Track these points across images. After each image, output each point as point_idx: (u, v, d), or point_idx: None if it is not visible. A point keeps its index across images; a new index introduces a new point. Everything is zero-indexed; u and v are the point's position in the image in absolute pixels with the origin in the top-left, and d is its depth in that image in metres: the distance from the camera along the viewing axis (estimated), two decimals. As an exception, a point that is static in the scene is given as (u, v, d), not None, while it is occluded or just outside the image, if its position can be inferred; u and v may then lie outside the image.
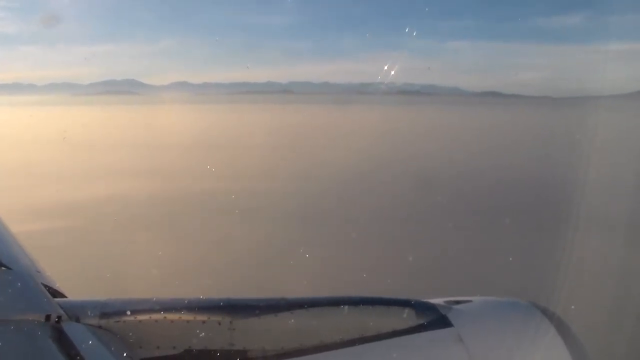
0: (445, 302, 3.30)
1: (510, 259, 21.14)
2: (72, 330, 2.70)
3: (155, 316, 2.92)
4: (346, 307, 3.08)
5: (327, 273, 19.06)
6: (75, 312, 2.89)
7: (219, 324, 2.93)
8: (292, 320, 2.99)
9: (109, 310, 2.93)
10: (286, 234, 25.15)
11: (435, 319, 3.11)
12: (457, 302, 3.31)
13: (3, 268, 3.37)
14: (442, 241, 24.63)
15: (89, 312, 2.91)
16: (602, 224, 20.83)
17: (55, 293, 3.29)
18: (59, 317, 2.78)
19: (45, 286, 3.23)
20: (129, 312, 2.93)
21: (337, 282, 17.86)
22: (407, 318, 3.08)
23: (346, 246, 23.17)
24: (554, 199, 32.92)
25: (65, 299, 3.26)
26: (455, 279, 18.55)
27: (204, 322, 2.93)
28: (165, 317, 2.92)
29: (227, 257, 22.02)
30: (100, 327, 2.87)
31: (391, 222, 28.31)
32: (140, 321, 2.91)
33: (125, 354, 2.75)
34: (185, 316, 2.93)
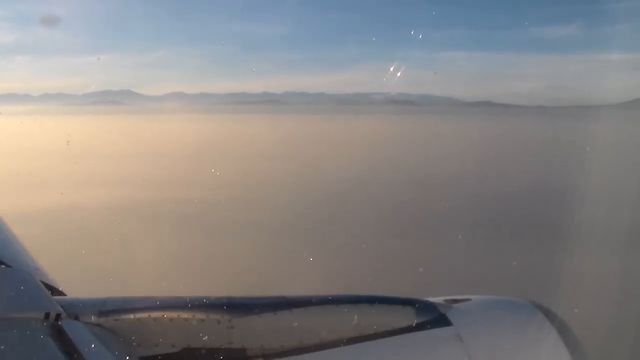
0: (445, 300, 3.29)
1: (493, 265, 21.29)
2: (71, 328, 2.69)
3: (154, 314, 2.90)
4: (345, 305, 3.07)
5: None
6: (75, 310, 2.88)
7: (218, 322, 2.91)
8: (291, 319, 2.97)
9: (108, 309, 2.92)
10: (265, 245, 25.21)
11: (434, 317, 3.10)
12: (457, 301, 3.31)
13: (3, 266, 3.37)
14: (433, 249, 24.73)
15: (88, 310, 2.90)
16: (592, 233, 20.81)
17: (55, 291, 3.28)
18: (58, 315, 2.76)
19: (45, 284, 3.21)
20: (128, 311, 2.91)
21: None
22: (407, 317, 3.07)
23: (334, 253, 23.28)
24: (545, 207, 33.11)
25: (64, 297, 3.25)
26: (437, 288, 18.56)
27: (203, 320, 2.91)
28: (164, 316, 2.90)
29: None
30: (99, 325, 2.86)
31: (382, 229, 28.43)
32: (139, 319, 2.89)
33: (124, 352, 2.74)
34: (184, 314, 2.91)
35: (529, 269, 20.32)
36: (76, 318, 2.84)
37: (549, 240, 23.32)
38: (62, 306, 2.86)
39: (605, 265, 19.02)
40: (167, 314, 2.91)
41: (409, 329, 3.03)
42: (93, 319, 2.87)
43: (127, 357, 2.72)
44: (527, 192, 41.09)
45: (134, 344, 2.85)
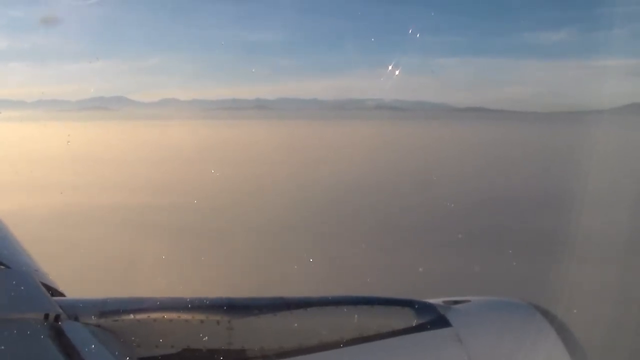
0: (444, 302, 3.31)
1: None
2: (71, 329, 2.71)
3: (153, 315, 2.92)
4: (345, 306, 3.09)
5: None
6: (74, 311, 2.89)
7: (218, 323, 2.93)
8: (291, 320, 2.99)
9: (108, 309, 2.93)
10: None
11: (433, 318, 3.12)
12: (456, 302, 3.33)
13: (2, 267, 3.38)
14: (428, 254, 24.71)
15: (87, 311, 2.92)
16: (586, 238, 20.75)
17: (54, 292, 3.29)
18: (58, 316, 2.79)
19: (44, 285, 3.23)
20: (127, 311, 2.92)
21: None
22: (406, 318, 3.09)
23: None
24: (540, 213, 33.14)
25: (64, 297, 3.26)
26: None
27: (202, 321, 2.93)
28: (163, 317, 2.92)
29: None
30: (98, 326, 2.87)
31: (373, 234, 28.41)
32: (138, 320, 2.91)
33: (123, 353, 2.76)
34: (184, 315, 2.93)
35: (522, 275, 20.32)
36: (76, 319, 2.85)
37: (543, 246, 23.33)
38: (61, 307, 2.89)
39: (598, 273, 19.01)
40: (167, 315, 2.92)
41: (408, 330, 3.05)
42: (93, 319, 2.88)
43: (127, 358, 2.75)
44: (521, 197, 41.16)
45: (134, 344, 2.86)
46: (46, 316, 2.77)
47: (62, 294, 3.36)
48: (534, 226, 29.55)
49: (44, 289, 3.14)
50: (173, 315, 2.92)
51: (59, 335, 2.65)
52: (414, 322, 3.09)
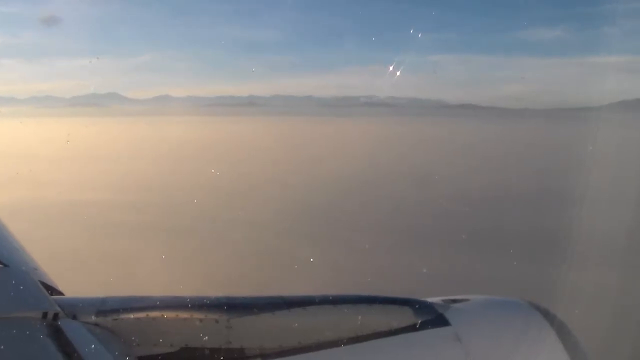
0: (443, 300, 3.30)
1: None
2: (69, 327, 2.69)
3: (152, 314, 2.90)
4: (344, 305, 3.08)
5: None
6: (73, 309, 2.87)
7: (217, 322, 2.91)
8: (290, 319, 2.97)
9: (107, 308, 2.92)
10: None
11: (432, 317, 3.11)
12: (455, 301, 3.32)
13: (0, 265, 3.35)
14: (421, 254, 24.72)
15: (86, 310, 2.90)
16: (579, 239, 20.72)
17: (53, 291, 3.27)
18: (56, 315, 2.78)
19: (43, 284, 3.21)
20: (126, 310, 2.91)
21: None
22: (405, 316, 3.08)
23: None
24: (532, 212, 33.18)
25: (62, 296, 3.24)
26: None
27: (201, 320, 2.91)
28: (162, 315, 2.90)
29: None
30: (97, 324, 2.85)
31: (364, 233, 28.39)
32: (137, 319, 2.89)
33: (122, 352, 2.74)
34: (183, 314, 2.91)
35: (517, 274, 20.33)
36: (74, 317, 2.84)
37: (534, 244, 23.35)
38: (60, 305, 2.87)
39: (593, 272, 19.01)
40: (166, 314, 2.90)
41: (407, 329, 3.04)
42: (91, 318, 2.86)
43: (126, 357, 2.73)
44: (512, 194, 41.09)
45: (133, 343, 2.84)
46: (45, 315, 2.74)
47: (60, 293, 3.34)
48: (526, 224, 29.55)
49: (42, 287, 3.13)
50: (172, 314, 2.90)
51: (57, 334, 2.63)
52: (413, 321, 3.08)
